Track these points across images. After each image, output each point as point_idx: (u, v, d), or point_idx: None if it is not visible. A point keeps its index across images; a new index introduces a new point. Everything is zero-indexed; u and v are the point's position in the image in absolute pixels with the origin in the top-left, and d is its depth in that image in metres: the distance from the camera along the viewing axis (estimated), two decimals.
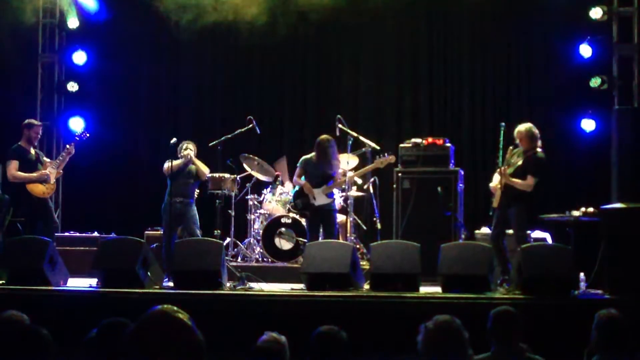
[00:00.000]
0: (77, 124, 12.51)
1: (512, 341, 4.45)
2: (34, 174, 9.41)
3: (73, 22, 12.49)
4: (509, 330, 4.48)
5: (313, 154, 9.57)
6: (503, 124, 8.96)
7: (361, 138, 10.02)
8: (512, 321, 4.52)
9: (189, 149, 9.64)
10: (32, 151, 9.66)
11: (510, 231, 8.71)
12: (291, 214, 10.26)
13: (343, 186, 9.74)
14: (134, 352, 2.30)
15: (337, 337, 3.91)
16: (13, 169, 9.37)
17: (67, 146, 9.83)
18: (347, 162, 9.97)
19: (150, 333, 2.31)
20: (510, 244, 8.62)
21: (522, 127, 8.65)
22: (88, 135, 10.20)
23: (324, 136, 9.55)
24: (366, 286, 8.18)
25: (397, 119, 12.56)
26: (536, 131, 8.60)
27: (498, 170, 8.63)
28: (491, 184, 8.79)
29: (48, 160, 9.85)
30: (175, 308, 2.38)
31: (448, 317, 3.63)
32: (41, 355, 2.95)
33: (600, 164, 10.51)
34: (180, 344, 2.30)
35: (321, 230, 9.51)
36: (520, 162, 8.54)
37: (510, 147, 8.70)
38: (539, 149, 8.59)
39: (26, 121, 9.82)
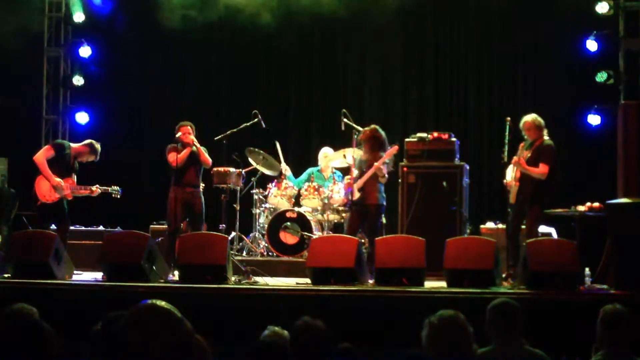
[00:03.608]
0: (82, 118, 12.57)
1: (512, 335, 4.36)
2: (55, 178, 9.09)
3: (79, 16, 12.52)
4: (509, 323, 4.39)
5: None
6: (508, 118, 8.96)
7: None
8: (512, 314, 4.44)
9: (190, 134, 9.33)
10: (76, 164, 9.40)
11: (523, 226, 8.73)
12: (296, 208, 10.26)
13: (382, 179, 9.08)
14: (123, 344, 2.35)
15: (315, 328, 3.89)
16: (43, 155, 9.12)
17: (96, 188, 9.41)
18: (352, 156, 9.95)
19: (137, 326, 2.36)
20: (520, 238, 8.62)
21: (528, 117, 8.73)
22: (119, 196, 9.63)
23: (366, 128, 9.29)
24: (371, 281, 8.19)
25: (402, 113, 12.56)
26: (542, 120, 8.66)
27: (513, 160, 8.60)
28: (505, 180, 8.78)
29: (75, 179, 9.46)
30: (163, 302, 2.44)
31: (452, 312, 3.62)
32: (44, 350, 2.97)
33: (605, 158, 10.48)
34: (167, 336, 2.34)
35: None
36: (529, 154, 8.57)
37: (522, 144, 8.71)
38: (546, 137, 8.63)
39: (92, 142, 9.47)
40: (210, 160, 9.50)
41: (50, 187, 9.12)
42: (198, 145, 9.38)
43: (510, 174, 8.68)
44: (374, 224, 9.02)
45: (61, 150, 9.30)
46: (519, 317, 4.42)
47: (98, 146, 9.52)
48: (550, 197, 8.78)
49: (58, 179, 9.14)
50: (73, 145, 9.42)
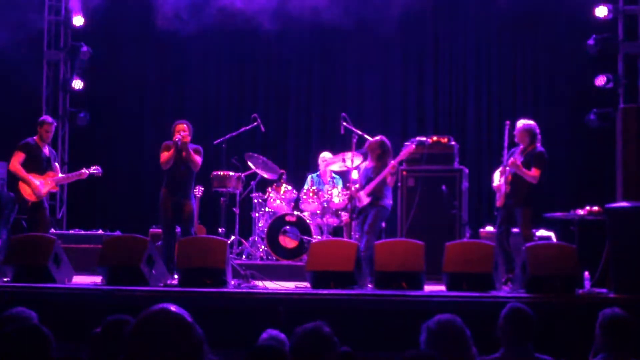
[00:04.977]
0: (82, 121, 12.57)
1: (523, 342, 4.33)
2: (34, 180, 9.08)
3: (78, 20, 12.54)
4: (522, 330, 4.35)
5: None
6: (508, 122, 8.98)
7: (366, 136, 10.02)
8: (525, 320, 4.39)
9: (183, 132, 9.00)
10: (46, 150, 9.34)
11: (516, 230, 8.76)
12: (296, 212, 10.27)
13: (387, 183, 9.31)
14: (133, 349, 2.32)
15: (321, 333, 3.88)
16: (16, 161, 9.10)
17: (83, 171, 9.48)
18: (352, 160, 9.96)
19: (149, 330, 2.34)
20: (516, 242, 8.63)
21: (522, 123, 8.75)
22: (101, 175, 9.68)
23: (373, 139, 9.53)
24: (370, 285, 8.19)
25: (402, 117, 12.58)
26: (535, 128, 8.69)
27: (510, 162, 8.63)
28: (494, 184, 8.87)
29: (57, 166, 9.50)
30: (174, 306, 2.40)
31: (449, 316, 3.62)
32: (42, 354, 2.96)
33: (605, 162, 10.49)
34: (179, 341, 2.32)
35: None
36: (522, 159, 8.61)
37: (520, 148, 8.75)
38: (537, 144, 8.68)
39: (40, 119, 9.54)
40: (198, 160, 9.02)
41: (35, 186, 9.14)
42: (186, 138, 8.94)
43: (498, 178, 8.75)
44: (375, 222, 9.15)
45: (29, 149, 9.21)
46: (532, 324, 4.41)
47: (44, 117, 9.63)
48: (539, 201, 8.84)
49: (37, 181, 9.13)
50: (34, 138, 9.34)
